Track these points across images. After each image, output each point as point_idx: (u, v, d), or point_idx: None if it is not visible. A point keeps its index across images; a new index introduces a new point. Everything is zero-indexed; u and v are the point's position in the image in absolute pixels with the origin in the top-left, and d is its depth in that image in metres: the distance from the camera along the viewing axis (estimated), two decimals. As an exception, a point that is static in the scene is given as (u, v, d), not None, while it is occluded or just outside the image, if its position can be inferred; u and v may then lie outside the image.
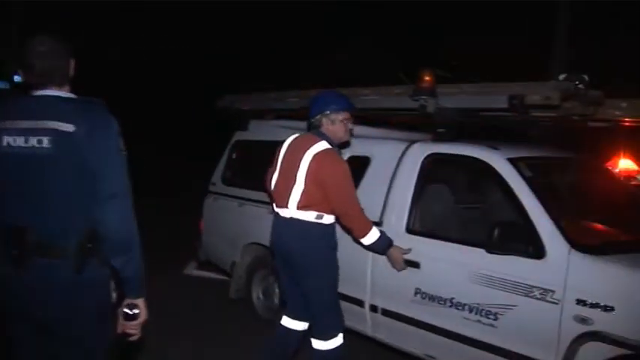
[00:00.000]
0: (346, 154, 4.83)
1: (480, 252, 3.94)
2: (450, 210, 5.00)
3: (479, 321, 3.92)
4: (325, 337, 4.13)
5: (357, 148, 5.01)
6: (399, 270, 4.29)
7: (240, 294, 6.32)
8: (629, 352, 3.26)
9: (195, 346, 5.48)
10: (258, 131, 6.43)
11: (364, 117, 5.22)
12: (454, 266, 4.15)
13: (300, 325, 4.38)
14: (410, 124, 5.54)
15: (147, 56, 22.19)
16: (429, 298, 4.24)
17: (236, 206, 6.33)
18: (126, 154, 2.66)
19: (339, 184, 3.99)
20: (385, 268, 4.42)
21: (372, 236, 4.10)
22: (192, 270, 8.16)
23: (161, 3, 20.34)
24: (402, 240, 4.34)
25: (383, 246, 4.18)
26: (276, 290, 5.84)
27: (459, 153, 4.47)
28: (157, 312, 5.97)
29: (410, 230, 4.50)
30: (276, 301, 5.86)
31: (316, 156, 3.98)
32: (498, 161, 4.14)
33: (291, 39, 19.32)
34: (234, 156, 6.77)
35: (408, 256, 4.26)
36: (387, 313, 4.55)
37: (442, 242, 4.33)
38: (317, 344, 4.16)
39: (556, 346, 3.52)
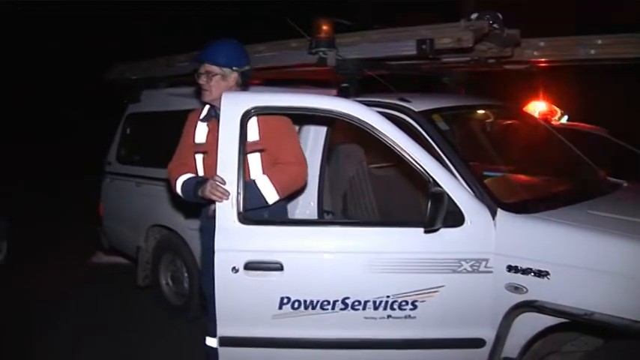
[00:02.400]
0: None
1: (381, 232, 3.33)
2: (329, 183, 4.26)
3: (389, 316, 3.20)
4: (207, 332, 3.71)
5: None
6: (212, 197, 3.25)
7: (148, 281, 5.89)
8: (567, 320, 2.93)
9: (103, 338, 5.22)
10: (151, 102, 5.89)
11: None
12: (342, 257, 3.31)
13: None
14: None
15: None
16: (306, 306, 3.24)
17: (134, 186, 5.77)
18: None
19: None
20: (231, 281, 3.25)
21: (178, 186, 3.57)
22: (101, 258, 7.65)
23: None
24: (237, 236, 3.23)
25: (190, 188, 3.47)
26: (185, 275, 5.39)
27: (299, 105, 3.42)
28: (63, 304, 5.85)
29: (246, 219, 3.26)
30: (186, 286, 5.40)
31: None
32: (366, 111, 3.32)
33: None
34: (128, 131, 6.22)
35: (260, 258, 3.24)
36: (242, 342, 3.36)
37: (317, 229, 3.47)
38: None
39: (490, 321, 3.13)
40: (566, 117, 7.60)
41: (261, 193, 3.36)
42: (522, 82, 7.00)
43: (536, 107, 7.33)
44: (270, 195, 3.37)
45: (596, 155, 4.66)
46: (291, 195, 3.64)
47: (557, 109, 7.48)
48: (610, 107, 10.69)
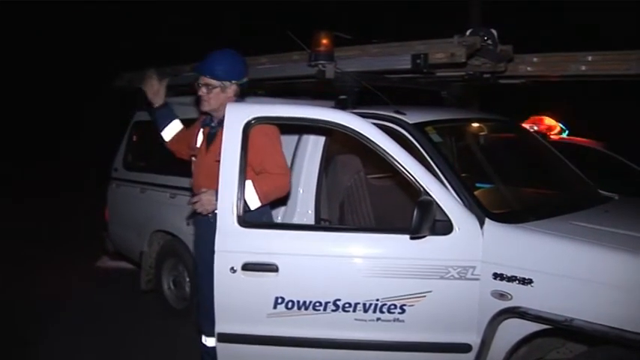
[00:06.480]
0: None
1: (372, 238, 3.48)
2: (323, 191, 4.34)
3: (378, 319, 3.30)
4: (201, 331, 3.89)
5: None
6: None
7: (151, 285, 6.01)
8: (549, 326, 3.02)
9: (106, 340, 5.31)
10: (157, 110, 5.98)
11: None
12: (334, 260, 3.40)
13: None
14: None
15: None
16: (299, 307, 3.35)
17: (138, 192, 5.91)
18: None
19: None
20: (229, 281, 3.36)
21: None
22: (106, 262, 7.79)
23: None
24: (236, 239, 3.34)
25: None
26: (187, 279, 5.51)
27: (297, 115, 3.54)
28: (67, 306, 5.96)
29: (245, 222, 3.38)
30: (188, 290, 5.52)
31: None
32: (360, 122, 3.42)
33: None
34: (134, 138, 6.36)
35: (257, 259, 3.34)
36: (239, 339, 3.46)
37: (311, 233, 3.58)
38: None
39: (476, 327, 3.22)
40: (566, 132, 7.68)
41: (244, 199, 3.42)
42: (524, 97, 7.08)
43: (536, 122, 7.41)
44: (253, 201, 3.45)
45: (591, 169, 4.76)
46: (274, 202, 3.75)
47: (556, 123, 7.56)
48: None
